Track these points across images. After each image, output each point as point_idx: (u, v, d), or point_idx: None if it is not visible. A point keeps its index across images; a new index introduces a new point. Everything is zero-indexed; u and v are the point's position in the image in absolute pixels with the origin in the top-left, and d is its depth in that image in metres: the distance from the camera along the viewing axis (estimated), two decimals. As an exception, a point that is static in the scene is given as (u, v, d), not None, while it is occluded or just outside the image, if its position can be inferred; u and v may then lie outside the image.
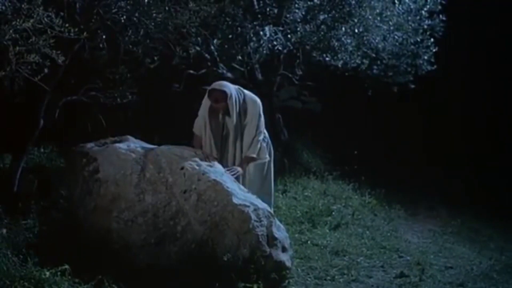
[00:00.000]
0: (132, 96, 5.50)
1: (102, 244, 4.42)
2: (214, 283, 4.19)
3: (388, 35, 7.77)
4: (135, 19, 5.08)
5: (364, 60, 7.77)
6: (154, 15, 5.06)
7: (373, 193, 7.68)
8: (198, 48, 6.10)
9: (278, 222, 4.69)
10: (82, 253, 4.23)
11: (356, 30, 7.28)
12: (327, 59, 7.39)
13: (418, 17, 8.08)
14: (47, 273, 3.89)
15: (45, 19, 4.04)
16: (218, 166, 4.77)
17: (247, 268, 4.31)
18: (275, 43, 6.70)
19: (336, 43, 7.19)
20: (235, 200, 4.46)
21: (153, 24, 5.14)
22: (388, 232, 6.45)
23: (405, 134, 9.50)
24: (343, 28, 7.13)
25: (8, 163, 5.64)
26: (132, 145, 4.83)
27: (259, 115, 5.02)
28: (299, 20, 6.95)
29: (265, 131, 5.13)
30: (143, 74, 5.78)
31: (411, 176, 8.80)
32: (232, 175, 4.83)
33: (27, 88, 4.61)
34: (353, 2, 7.07)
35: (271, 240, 4.49)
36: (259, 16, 6.72)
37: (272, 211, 4.79)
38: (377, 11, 7.47)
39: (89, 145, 4.87)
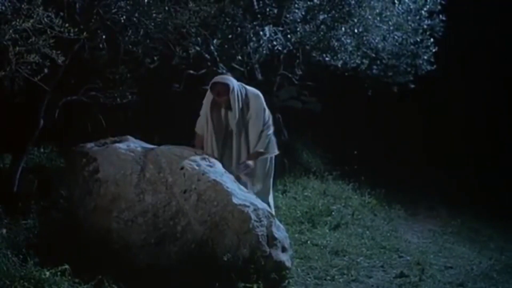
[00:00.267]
0: (132, 96, 5.50)
1: (102, 244, 4.42)
2: (214, 283, 4.19)
3: (388, 35, 7.77)
4: (135, 19, 5.08)
5: (364, 60, 7.77)
6: (154, 15, 5.06)
7: (373, 193, 7.68)
8: (198, 48, 6.10)
9: (278, 222, 4.69)
10: (82, 253, 4.23)
11: (356, 30, 7.28)
12: (327, 59, 7.39)
13: (418, 17, 8.08)
14: (47, 273, 3.89)
15: (45, 19, 4.05)
16: (218, 166, 4.77)
17: (247, 268, 4.31)
18: (275, 43, 6.70)
19: (336, 43, 7.19)
20: (235, 200, 4.46)
21: (153, 24, 5.15)
22: (388, 232, 6.45)
23: (405, 134, 9.50)
24: (343, 28, 7.13)
25: (8, 163, 5.64)
26: (132, 145, 4.83)
27: (263, 109, 5.02)
28: (299, 20, 6.94)
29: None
30: (143, 74, 5.78)
31: (411, 176, 8.81)
32: (245, 171, 4.85)
33: (27, 88, 4.61)
34: (353, 2, 7.07)
35: (271, 240, 4.49)
36: (259, 16, 6.72)
37: (272, 211, 4.80)
38: (377, 11, 7.46)
39: (89, 145, 4.87)
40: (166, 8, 5.06)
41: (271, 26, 6.67)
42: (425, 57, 8.31)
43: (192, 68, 6.64)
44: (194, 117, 5.26)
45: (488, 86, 9.95)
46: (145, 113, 6.95)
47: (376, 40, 7.61)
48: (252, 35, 6.55)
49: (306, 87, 9.02)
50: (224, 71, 7.22)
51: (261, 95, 5.04)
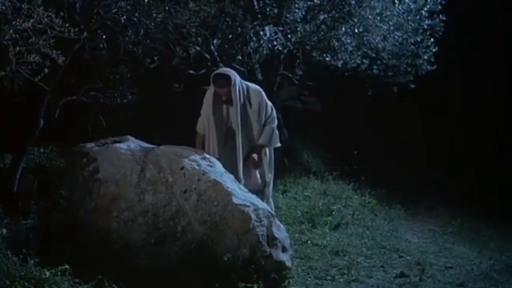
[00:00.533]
0: (132, 96, 5.50)
1: (102, 244, 4.42)
2: (214, 283, 4.19)
3: (388, 35, 7.77)
4: (135, 19, 5.08)
5: (364, 60, 7.77)
6: (154, 15, 5.07)
7: (373, 193, 7.68)
8: (198, 48, 6.09)
9: (278, 222, 4.69)
10: (82, 253, 4.23)
11: (356, 30, 7.27)
12: (327, 59, 7.39)
13: (418, 17, 8.08)
14: (47, 273, 3.89)
15: (45, 19, 4.04)
16: (218, 166, 4.77)
17: (247, 268, 4.31)
18: (275, 43, 6.70)
19: (336, 43, 7.19)
20: (235, 200, 4.46)
21: (153, 24, 5.15)
22: (388, 232, 6.45)
23: (405, 134, 9.50)
24: (343, 28, 7.13)
25: (8, 163, 5.64)
26: (132, 145, 4.83)
27: (265, 103, 5.16)
28: (299, 20, 6.94)
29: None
30: (143, 74, 5.78)
31: (411, 176, 8.81)
32: (252, 164, 5.01)
33: (27, 88, 4.61)
34: (353, 2, 7.07)
35: (271, 240, 4.49)
36: (259, 16, 6.71)
37: (272, 211, 4.81)
38: (377, 11, 7.46)
39: (89, 145, 4.87)
40: (166, 8, 5.06)
41: (271, 26, 6.66)
42: (425, 57, 8.31)
43: (192, 68, 6.63)
44: (195, 117, 5.27)
45: (488, 86, 9.95)
46: (145, 113, 6.94)
47: (376, 40, 7.61)
48: (252, 35, 6.54)
49: (306, 87, 9.02)
50: (224, 71, 7.22)
51: (262, 90, 5.17)
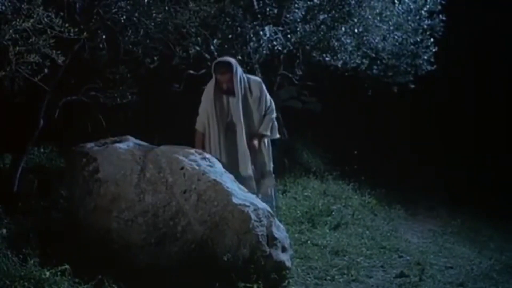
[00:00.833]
0: (132, 96, 5.51)
1: (102, 244, 4.42)
2: (214, 283, 4.19)
3: (388, 35, 7.77)
4: (135, 19, 5.08)
5: (364, 60, 7.77)
6: (154, 15, 5.07)
7: (373, 193, 7.68)
8: (198, 48, 6.09)
9: (278, 222, 4.69)
10: (82, 253, 4.23)
11: (356, 30, 7.27)
12: (327, 59, 7.39)
13: (418, 17, 8.07)
14: (47, 273, 3.89)
15: (45, 19, 4.04)
16: (218, 166, 4.78)
17: (247, 268, 4.31)
18: (275, 43, 6.70)
19: (336, 43, 7.19)
20: (235, 200, 4.46)
21: (153, 24, 5.15)
22: (388, 232, 6.45)
23: (405, 134, 9.50)
24: (343, 28, 7.13)
25: (8, 163, 5.64)
26: (132, 145, 4.83)
27: (266, 94, 5.29)
28: (299, 20, 6.94)
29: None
30: (143, 74, 5.78)
31: (411, 176, 8.80)
32: (252, 150, 5.09)
33: (27, 88, 4.61)
34: (353, 2, 7.07)
35: (271, 240, 4.49)
36: (259, 16, 6.71)
37: (275, 204, 4.86)
38: (377, 11, 7.46)
39: (89, 145, 4.87)
40: (166, 8, 5.07)
41: (271, 26, 6.66)
42: (425, 57, 8.31)
43: (192, 68, 6.63)
44: (195, 117, 5.29)
45: (488, 86, 9.95)
46: (145, 113, 6.94)
47: (376, 40, 7.61)
48: (252, 35, 6.54)
49: (306, 87, 9.02)
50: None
51: (262, 82, 5.31)
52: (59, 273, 3.94)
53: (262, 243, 4.41)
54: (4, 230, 4.43)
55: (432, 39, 8.22)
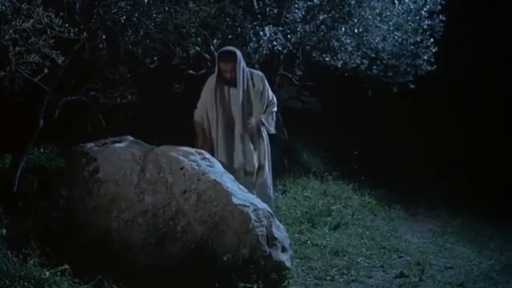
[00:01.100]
0: (132, 96, 5.51)
1: (102, 244, 4.42)
2: (214, 283, 4.19)
3: (388, 35, 7.76)
4: (135, 19, 5.08)
5: (364, 60, 7.76)
6: (154, 15, 5.07)
7: (373, 193, 7.68)
8: (198, 48, 6.09)
9: (278, 222, 4.69)
10: (82, 253, 4.23)
11: (356, 30, 7.27)
12: (327, 59, 7.38)
13: (417, 17, 8.07)
14: (47, 273, 3.89)
15: (45, 19, 4.04)
16: (218, 166, 4.78)
17: (247, 268, 4.31)
18: (275, 43, 6.69)
19: (336, 43, 7.18)
20: (235, 200, 4.46)
21: (153, 24, 5.15)
22: (388, 232, 6.45)
23: (405, 134, 9.49)
24: (343, 28, 7.12)
25: (8, 163, 5.64)
26: (132, 145, 4.83)
27: (268, 88, 5.37)
28: (299, 20, 6.94)
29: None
30: (143, 74, 5.78)
31: (411, 176, 8.80)
32: (248, 127, 5.16)
33: (27, 88, 4.61)
34: (353, 2, 7.06)
35: (271, 240, 4.49)
36: (259, 16, 6.71)
37: (272, 197, 4.86)
38: (377, 11, 7.45)
39: (89, 145, 4.87)
40: (166, 8, 5.06)
41: (271, 26, 6.66)
42: (425, 57, 8.30)
43: (192, 68, 6.63)
44: (195, 117, 5.28)
45: (488, 86, 9.95)
46: (145, 113, 6.94)
47: (376, 40, 7.60)
48: (252, 35, 6.54)
49: (306, 87, 9.02)
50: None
51: (264, 76, 5.38)
52: (59, 273, 3.94)
53: (262, 243, 4.41)
54: (4, 230, 4.44)
55: (432, 39, 8.21)
